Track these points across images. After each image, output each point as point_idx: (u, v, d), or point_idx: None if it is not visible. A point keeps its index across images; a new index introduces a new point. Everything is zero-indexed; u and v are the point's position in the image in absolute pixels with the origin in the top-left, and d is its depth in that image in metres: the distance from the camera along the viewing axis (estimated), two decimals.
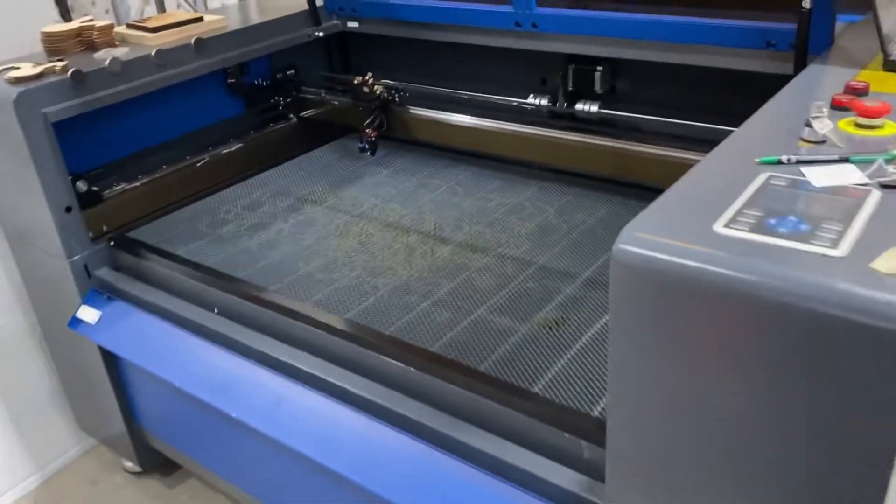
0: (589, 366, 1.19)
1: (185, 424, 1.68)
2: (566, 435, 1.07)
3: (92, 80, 1.63)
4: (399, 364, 1.23)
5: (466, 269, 1.49)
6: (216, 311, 1.53)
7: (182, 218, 1.81)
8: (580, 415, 1.09)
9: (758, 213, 0.78)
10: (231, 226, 1.76)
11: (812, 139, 0.92)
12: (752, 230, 0.75)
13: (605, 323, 1.30)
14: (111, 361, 1.74)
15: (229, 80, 2.04)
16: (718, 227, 0.76)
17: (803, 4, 1.26)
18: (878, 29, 1.12)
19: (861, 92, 1.00)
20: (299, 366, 1.34)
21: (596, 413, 1.10)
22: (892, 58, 1.11)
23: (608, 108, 1.76)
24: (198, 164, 1.95)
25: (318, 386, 1.32)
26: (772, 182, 0.84)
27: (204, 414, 1.54)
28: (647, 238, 0.77)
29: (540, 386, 1.16)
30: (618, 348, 0.82)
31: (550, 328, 1.29)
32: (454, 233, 1.64)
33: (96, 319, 1.65)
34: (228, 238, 1.70)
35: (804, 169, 0.86)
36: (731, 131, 1.00)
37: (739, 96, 1.29)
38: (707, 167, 0.91)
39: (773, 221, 0.76)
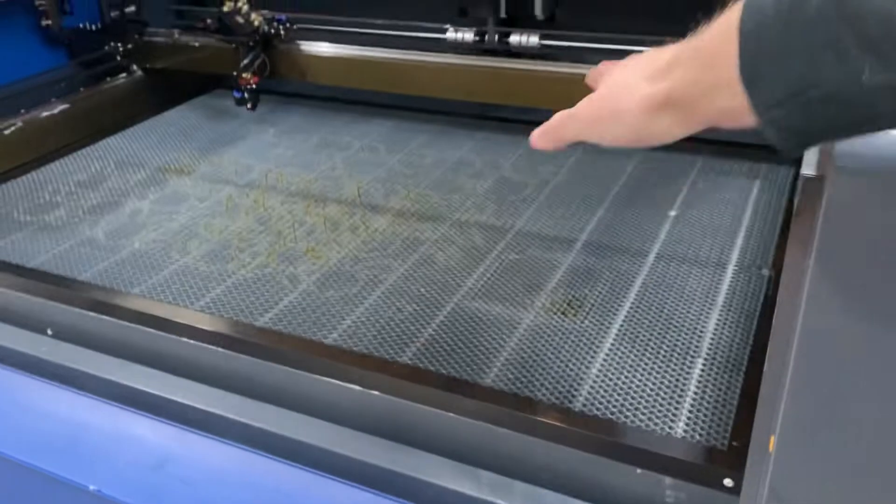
0: (640, 360, 0.83)
1: None
2: (638, 471, 0.71)
3: None
4: (354, 387, 0.81)
5: (420, 244, 1.08)
6: (50, 332, 1.03)
7: None
8: (659, 439, 0.72)
9: None
10: (62, 210, 1.23)
11: None
12: None
13: (640, 294, 0.93)
14: None
15: (44, 23, 1.52)
16: None
17: None
18: None
19: None
20: (188, 402, 0.88)
21: (680, 433, 0.73)
22: None
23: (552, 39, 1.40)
24: (5, 133, 1.41)
25: (225, 432, 0.87)
26: None
27: (44, 494, 1.03)
28: None
29: (580, 401, 0.78)
30: None
31: (564, 313, 0.91)
32: (388, 199, 1.22)
33: None
34: (60, 227, 1.18)
35: None
36: None
37: None
38: None
39: None
